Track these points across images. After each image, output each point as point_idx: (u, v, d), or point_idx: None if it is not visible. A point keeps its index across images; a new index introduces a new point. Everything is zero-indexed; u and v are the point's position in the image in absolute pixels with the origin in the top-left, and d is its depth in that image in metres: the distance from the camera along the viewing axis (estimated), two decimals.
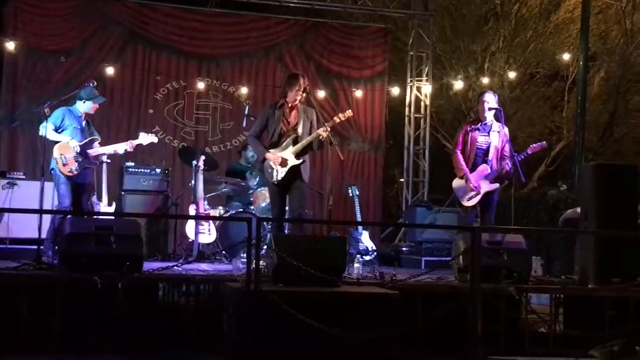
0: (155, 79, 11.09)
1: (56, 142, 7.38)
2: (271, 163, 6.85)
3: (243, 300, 5.16)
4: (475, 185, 7.39)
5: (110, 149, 7.74)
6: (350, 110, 7.32)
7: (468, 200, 7.48)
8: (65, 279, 5.54)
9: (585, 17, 10.68)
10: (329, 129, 6.73)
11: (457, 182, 7.58)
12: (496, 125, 7.52)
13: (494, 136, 7.47)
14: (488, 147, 7.47)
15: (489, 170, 7.42)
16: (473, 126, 7.58)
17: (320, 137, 6.74)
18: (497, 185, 7.47)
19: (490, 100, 7.53)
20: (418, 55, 12.35)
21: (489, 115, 7.50)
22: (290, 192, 6.89)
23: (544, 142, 7.77)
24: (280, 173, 6.83)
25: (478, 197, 7.43)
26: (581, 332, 5.87)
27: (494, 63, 14.39)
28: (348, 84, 11.91)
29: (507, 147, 7.50)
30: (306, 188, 7.07)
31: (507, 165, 7.38)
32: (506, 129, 7.57)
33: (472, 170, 7.46)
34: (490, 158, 7.43)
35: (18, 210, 8.31)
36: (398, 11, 12.31)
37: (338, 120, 7.00)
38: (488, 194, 7.45)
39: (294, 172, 6.85)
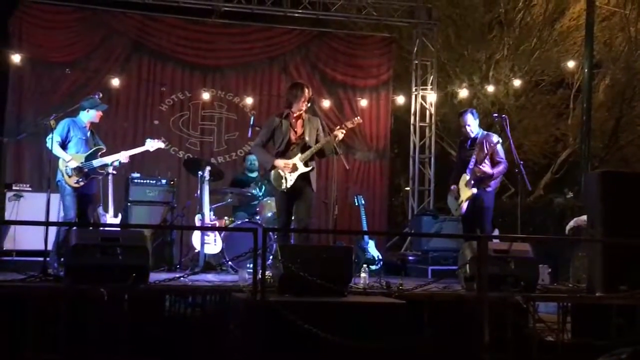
0: (160, 90, 11.12)
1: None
2: (280, 171, 6.81)
3: (249, 311, 5.16)
4: (457, 196, 7.69)
5: (108, 159, 7.62)
6: (359, 117, 7.35)
7: (455, 211, 7.74)
8: (71, 290, 5.55)
9: (589, 24, 10.67)
10: (344, 131, 6.80)
11: (449, 197, 7.87)
12: (482, 137, 7.68)
13: (478, 147, 7.61)
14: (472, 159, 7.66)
15: (468, 177, 7.56)
16: (462, 143, 7.99)
17: (337, 138, 6.75)
18: (474, 190, 7.51)
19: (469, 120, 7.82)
20: (422, 64, 12.36)
21: (474, 131, 7.73)
22: (299, 201, 6.84)
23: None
24: (289, 181, 6.79)
25: (464, 205, 7.58)
26: (589, 340, 5.85)
27: (498, 71, 14.34)
28: (353, 93, 11.93)
29: (498, 153, 7.60)
30: (314, 198, 7.06)
31: (484, 168, 7.49)
32: (495, 137, 7.66)
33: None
34: (470, 167, 7.57)
35: (24, 223, 8.32)
36: (402, 20, 12.31)
37: (349, 127, 7.03)
38: (475, 203, 7.52)
39: (304, 179, 6.83)
